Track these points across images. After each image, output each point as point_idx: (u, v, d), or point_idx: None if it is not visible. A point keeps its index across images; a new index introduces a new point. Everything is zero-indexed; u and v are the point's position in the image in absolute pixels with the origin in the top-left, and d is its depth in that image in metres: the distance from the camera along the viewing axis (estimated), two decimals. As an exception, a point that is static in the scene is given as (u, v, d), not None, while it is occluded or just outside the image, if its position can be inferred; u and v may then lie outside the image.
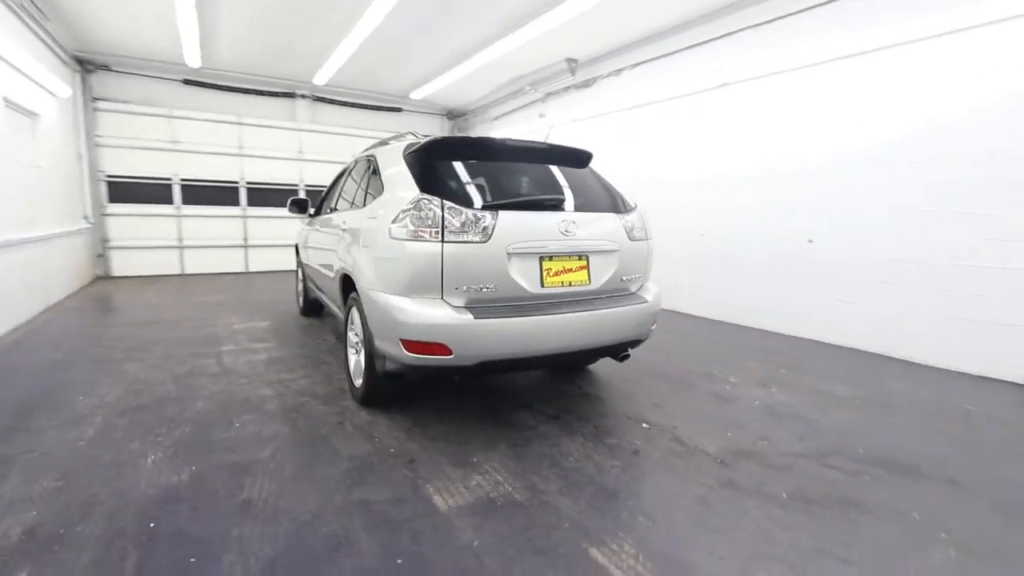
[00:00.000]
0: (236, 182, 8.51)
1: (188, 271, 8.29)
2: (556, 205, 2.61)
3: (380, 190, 2.81)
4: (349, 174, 3.84)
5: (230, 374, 3.42)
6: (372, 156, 3.25)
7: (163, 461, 2.24)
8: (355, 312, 2.95)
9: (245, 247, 8.76)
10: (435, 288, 2.31)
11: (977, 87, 3.66)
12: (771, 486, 2.20)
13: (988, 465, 2.42)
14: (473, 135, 10.28)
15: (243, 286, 7.35)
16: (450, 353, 2.27)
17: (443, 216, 2.30)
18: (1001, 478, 2.30)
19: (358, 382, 2.95)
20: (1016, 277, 3.52)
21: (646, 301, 2.78)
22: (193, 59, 6.97)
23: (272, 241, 8.96)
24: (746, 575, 1.63)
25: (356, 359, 2.98)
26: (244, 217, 8.65)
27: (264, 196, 8.78)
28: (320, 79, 8.01)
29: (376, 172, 3.04)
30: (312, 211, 4.74)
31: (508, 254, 2.38)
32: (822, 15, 4.57)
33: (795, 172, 4.89)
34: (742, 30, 5.25)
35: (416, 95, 8.98)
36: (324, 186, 9.27)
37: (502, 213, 2.39)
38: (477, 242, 2.32)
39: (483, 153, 2.70)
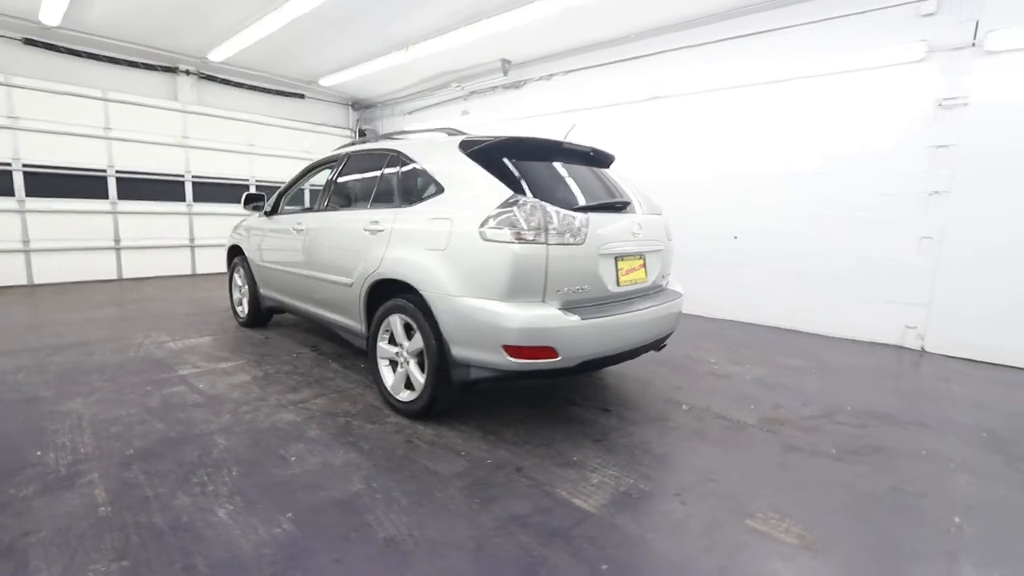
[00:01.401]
0: (103, 170, 6.92)
1: (37, 280, 6.53)
2: (626, 207, 2.73)
3: (432, 188, 2.63)
4: (340, 169, 3.47)
5: (223, 401, 2.88)
6: (394, 150, 3.00)
7: (241, 513, 1.86)
8: (393, 322, 2.73)
9: (117, 249, 7.18)
10: (538, 291, 2.27)
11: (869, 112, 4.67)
12: (818, 445, 2.61)
13: (932, 407, 3.17)
14: (373, 127, 9.84)
15: (132, 296, 6.05)
16: (556, 356, 2.26)
17: (548, 218, 2.27)
18: (949, 416, 3.03)
19: (404, 395, 2.74)
20: (896, 265, 4.60)
21: (681, 295, 3.05)
22: (51, 15, 5.49)
23: (154, 241, 7.50)
24: (873, 518, 1.96)
25: (401, 372, 2.75)
26: (114, 213, 7.08)
27: (139, 187, 7.28)
28: (218, 55, 6.90)
29: (411, 168, 2.83)
30: (267, 208, 4.15)
31: (599, 255, 2.44)
32: (744, 44, 5.35)
33: (720, 179, 5.66)
34: (673, 50, 5.89)
35: (327, 82, 8.23)
36: (215, 177, 8.07)
37: (592, 215, 2.44)
38: (575, 244, 2.34)
39: (543, 153, 2.69)
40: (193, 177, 7.79)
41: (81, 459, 2.21)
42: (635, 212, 2.77)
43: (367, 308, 2.97)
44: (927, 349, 4.55)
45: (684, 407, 3.06)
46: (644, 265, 2.76)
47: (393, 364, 2.86)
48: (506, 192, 2.33)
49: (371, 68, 7.30)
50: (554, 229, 2.28)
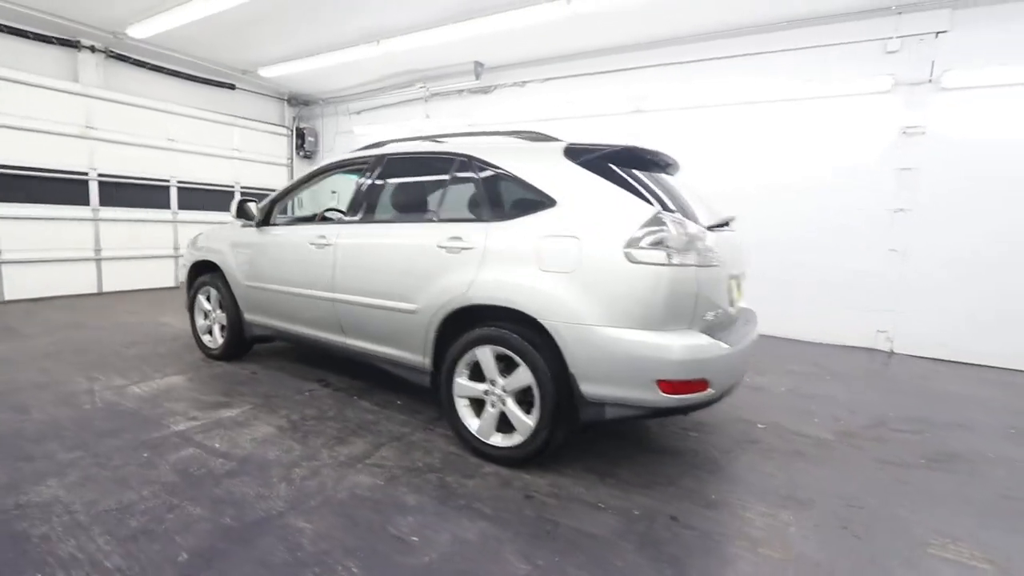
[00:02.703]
0: (-26, 165, 5.39)
1: None
2: (728, 224, 2.61)
3: (537, 201, 2.30)
4: (376, 174, 2.95)
5: (262, 465, 2.26)
6: (464, 154, 2.60)
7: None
8: (481, 355, 2.35)
9: (-6, 264, 5.64)
10: (687, 317, 2.06)
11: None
12: (902, 456, 2.69)
13: (950, 408, 3.47)
14: (311, 126, 8.94)
15: (33, 323, 4.73)
16: (708, 388, 2.06)
17: (697, 237, 2.07)
18: (972, 416, 3.32)
19: (498, 440, 2.36)
20: (868, 275, 5.06)
21: (755, 313, 3.01)
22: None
23: (50, 253, 6.01)
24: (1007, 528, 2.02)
25: (492, 413, 2.37)
26: (-6, 219, 5.56)
27: (29, 187, 5.80)
28: (140, 31, 5.72)
29: (495, 176, 2.46)
30: (258, 218, 3.45)
31: (728, 276, 2.29)
32: (726, 65, 5.61)
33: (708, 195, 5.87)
34: (658, 66, 6.01)
35: (268, 72, 7.25)
36: (128, 176, 6.72)
37: (718, 234, 2.28)
38: (714, 265, 2.16)
39: (641, 163, 2.47)
40: (99, 175, 6.40)
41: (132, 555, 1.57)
42: (733, 229, 2.67)
43: (435, 342, 2.54)
44: (895, 351, 5.05)
45: (759, 425, 3.03)
46: (740, 284, 2.67)
47: (475, 403, 2.47)
48: (648, 208, 2.09)
49: (328, 61, 6.56)
50: (701, 248, 2.09)
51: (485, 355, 2.37)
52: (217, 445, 2.45)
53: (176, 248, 7.39)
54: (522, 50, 6.43)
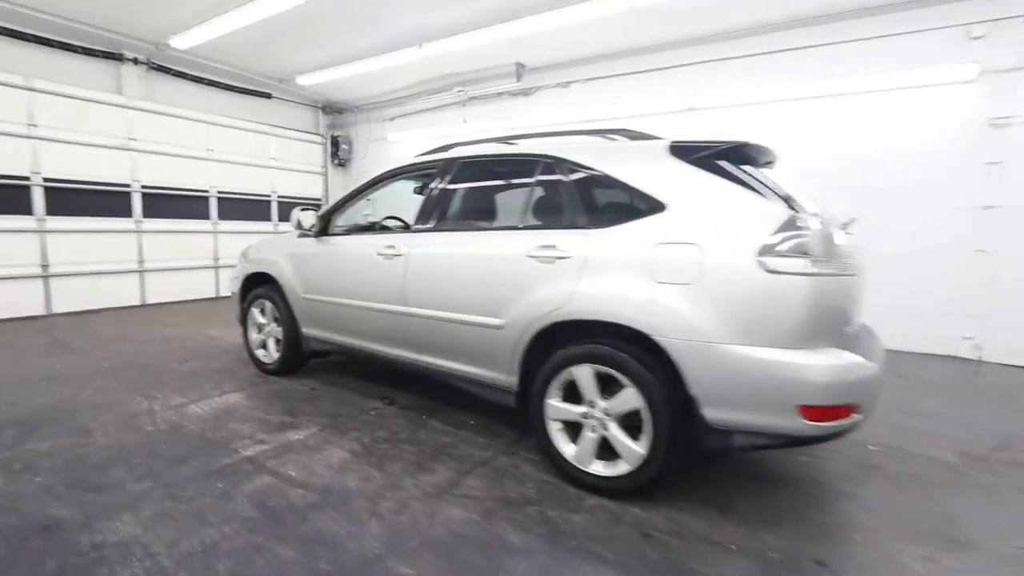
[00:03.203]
0: (27, 178, 5.41)
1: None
2: (848, 227, 2.35)
3: (642, 204, 2.07)
4: (447, 179, 2.76)
5: (344, 496, 2.06)
6: (550, 156, 2.39)
7: None
8: (579, 375, 2.13)
9: (45, 277, 5.63)
10: (830, 333, 1.80)
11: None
12: (1048, 484, 2.38)
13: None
14: (345, 134, 8.86)
15: (81, 337, 4.68)
16: (855, 413, 1.79)
17: (837, 241, 1.83)
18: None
19: (598, 468, 2.13)
20: (954, 278, 4.66)
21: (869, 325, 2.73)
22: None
23: (94, 266, 6.01)
24: None
25: (591, 438, 2.14)
26: (41, 232, 5.55)
27: (78, 201, 5.81)
28: (183, 42, 5.70)
29: (587, 178, 2.25)
30: (316, 228, 3.29)
31: (862, 285, 2.04)
32: (793, 57, 5.30)
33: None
34: (713, 61, 5.74)
35: (306, 80, 7.19)
36: (169, 188, 6.70)
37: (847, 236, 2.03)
38: (855, 274, 1.90)
39: (749, 159, 2.22)
40: (142, 187, 6.39)
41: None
42: (852, 232, 2.40)
43: (522, 361, 2.33)
44: (984, 359, 4.66)
45: (871, 447, 2.73)
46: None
47: (570, 427, 2.25)
48: (782, 210, 1.85)
49: (367, 66, 6.45)
50: (841, 255, 1.84)
51: (584, 374, 2.14)
52: (292, 473, 2.27)
53: (216, 259, 7.37)
54: (565, 50, 6.23)
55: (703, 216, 1.94)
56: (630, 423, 2.08)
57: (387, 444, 2.60)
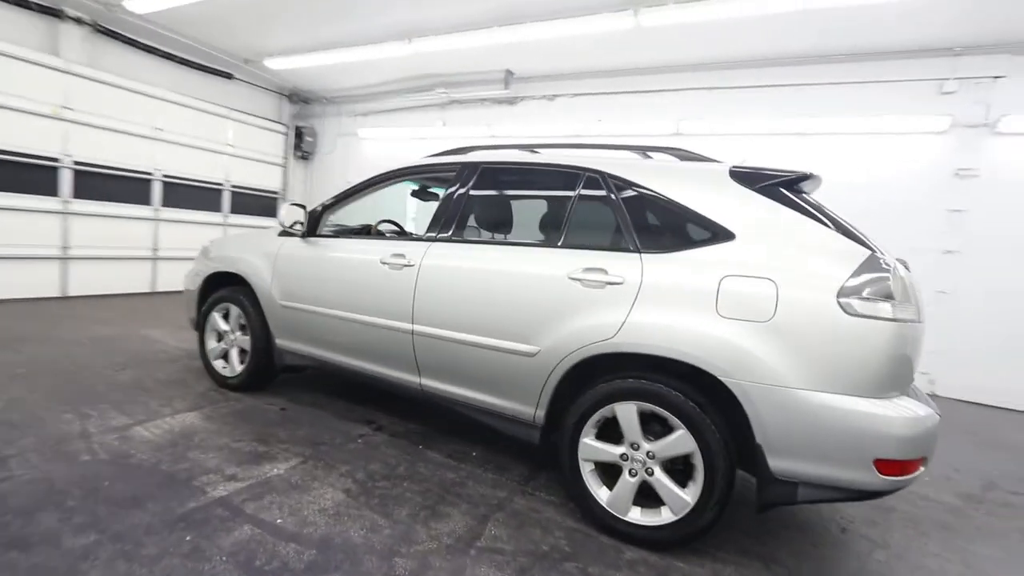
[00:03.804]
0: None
1: None
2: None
3: (703, 232, 1.91)
4: (468, 186, 2.48)
5: (348, 553, 1.72)
6: (594, 170, 2.18)
7: None
8: (623, 413, 1.92)
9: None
10: (901, 382, 1.70)
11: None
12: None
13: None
14: (311, 126, 8.30)
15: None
16: (921, 466, 1.70)
17: (913, 285, 1.74)
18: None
19: (636, 516, 1.93)
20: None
21: None
22: None
23: (8, 249, 5.14)
24: None
25: (629, 483, 1.93)
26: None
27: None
28: (138, 4, 5.04)
29: (638, 197, 2.06)
30: (304, 228, 2.90)
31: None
32: (775, 94, 5.45)
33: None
34: (700, 89, 5.82)
35: (275, 64, 6.64)
36: (102, 165, 5.92)
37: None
38: (923, 321, 1.82)
39: (805, 187, 2.12)
40: (74, 163, 5.58)
41: None
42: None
43: (553, 393, 2.09)
44: (936, 393, 4.93)
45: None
46: None
47: (602, 469, 2.03)
48: (860, 249, 1.74)
49: (348, 56, 6.03)
50: (916, 300, 1.76)
51: (627, 412, 1.93)
52: (279, 521, 1.89)
53: (155, 249, 6.58)
54: (556, 62, 6.13)
55: (776, 249, 1.81)
56: (673, 467, 1.90)
57: (385, 481, 2.26)
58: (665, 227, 2.03)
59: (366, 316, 2.58)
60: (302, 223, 2.87)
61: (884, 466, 1.63)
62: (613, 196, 2.13)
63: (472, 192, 2.50)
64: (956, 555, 2.11)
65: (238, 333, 3.19)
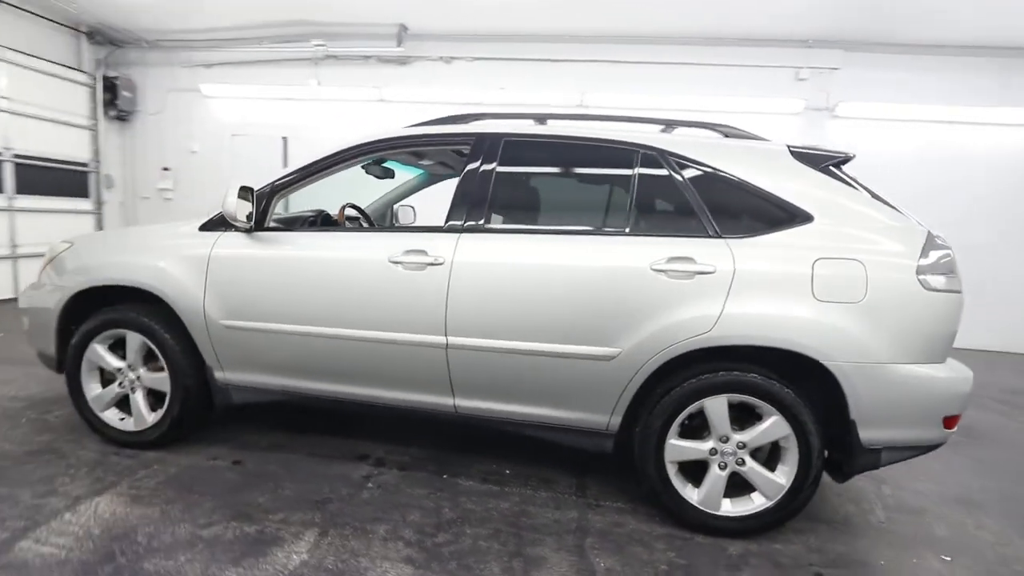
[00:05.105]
0: None
1: None
2: None
3: (780, 214, 1.86)
4: (492, 165, 2.05)
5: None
6: (653, 147, 1.97)
7: None
8: (711, 408, 1.84)
9: None
10: (951, 347, 1.91)
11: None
12: None
13: None
14: (129, 77, 6.36)
15: None
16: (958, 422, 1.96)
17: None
18: None
19: (727, 508, 1.90)
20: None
21: None
22: None
23: None
24: None
25: (718, 476, 1.87)
26: None
27: None
28: None
29: (706, 177, 1.93)
30: (250, 221, 2.13)
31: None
32: (663, 71, 5.79)
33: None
34: (601, 61, 5.88)
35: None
36: None
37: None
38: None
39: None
40: None
41: None
42: None
43: (639, 392, 1.91)
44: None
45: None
46: None
47: (684, 466, 1.94)
48: (916, 226, 1.87)
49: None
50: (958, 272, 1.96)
51: (718, 406, 1.85)
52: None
53: None
54: (456, 19, 5.60)
55: (852, 230, 1.85)
56: (761, 454, 1.91)
57: (443, 534, 1.84)
58: (741, 210, 1.94)
59: (372, 332, 2.02)
60: (251, 214, 2.10)
61: (949, 421, 1.83)
62: (679, 176, 1.96)
63: (499, 169, 2.08)
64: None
65: (142, 370, 2.28)
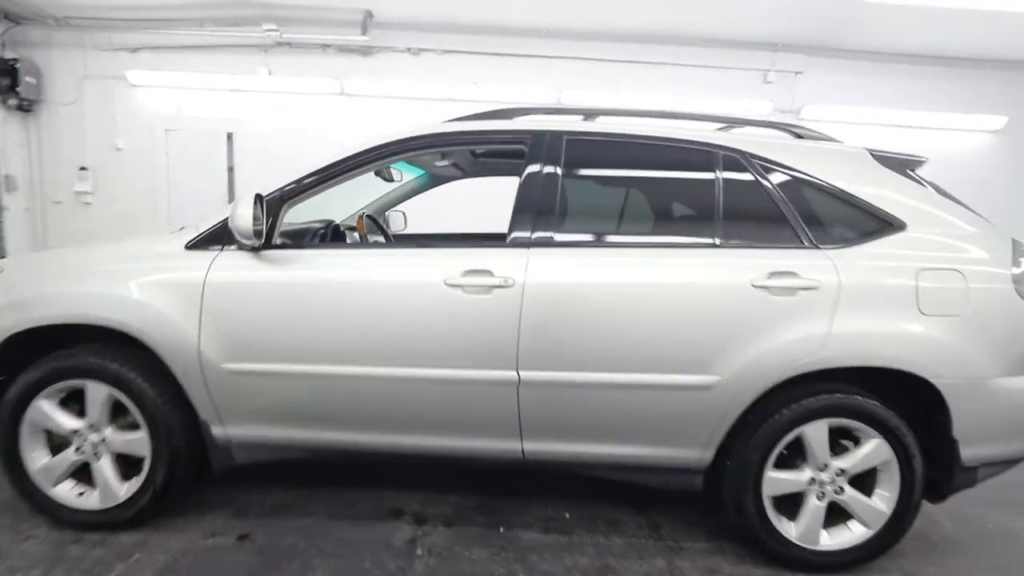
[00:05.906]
0: None
1: None
2: None
3: (870, 223, 1.73)
4: (560, 170, 1.76)
5: None
6: (734, 148, 1.78)
7: None
8: (809, 435, 1.68)
9: None
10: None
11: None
12: None
13: None
14: (33, 61, 5.37)
15: None
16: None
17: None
18: None
19: (826, 542, 1.76)
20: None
21: None
22: None
23: None
24: None
25: (816, 508, 1.72)
26: None
27: None
28: None
29: (793, 182, 1.76)
30: (257, 239, 1.69)
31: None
32: (644, 71, 5.72)
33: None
34: (577, 59, 5.70)
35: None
36: None
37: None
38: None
39: None
40: None
41: None
42: None
43: (737, 422, 1.72)
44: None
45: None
46: None
47: (784, 500, 1.78)
48: (999, 230, 1.81)
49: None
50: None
51: (818, 432, 1.70)
52: None
53: None
54: (424, 8, 5.20)
55: (943, 238, 1.75)
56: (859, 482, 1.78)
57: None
58: (832, 217, 1.78)
59: (425, 370, 1.68)
60: (261, 229, 1.67)
61: (1037, 435, 1.79)
62: (765, 181, 1.78)
63: (565, 173, 1.80)
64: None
65: (109, 429, 1.78)
